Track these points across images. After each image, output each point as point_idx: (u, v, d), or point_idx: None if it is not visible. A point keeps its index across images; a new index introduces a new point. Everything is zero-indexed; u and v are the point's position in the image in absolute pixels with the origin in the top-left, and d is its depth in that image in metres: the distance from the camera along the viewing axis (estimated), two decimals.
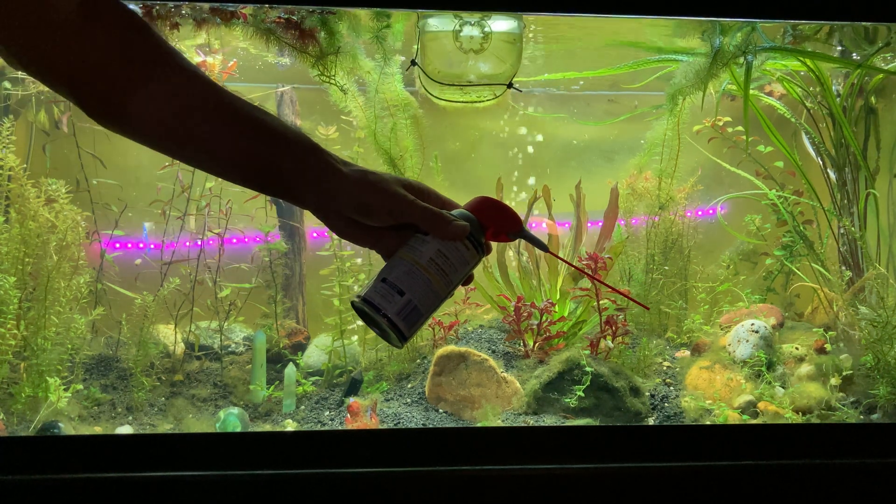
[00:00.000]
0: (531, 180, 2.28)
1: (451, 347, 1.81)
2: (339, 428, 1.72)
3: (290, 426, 1.76)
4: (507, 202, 1.03)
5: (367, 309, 0.92)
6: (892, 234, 2.09)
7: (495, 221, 0.98)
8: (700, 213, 2.23)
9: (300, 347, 2.07)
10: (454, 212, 0.96)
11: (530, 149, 2.30)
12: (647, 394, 1.80)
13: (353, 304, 0.95)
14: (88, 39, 0.84)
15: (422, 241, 0.94)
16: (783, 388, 1.80)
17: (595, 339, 1.82)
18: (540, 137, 2.30)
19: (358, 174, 0.92)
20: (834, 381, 1.78)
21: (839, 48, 2.02)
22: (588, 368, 1.73)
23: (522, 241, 2.03)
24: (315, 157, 0.92)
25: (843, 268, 2.05)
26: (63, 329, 1.78)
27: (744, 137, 2.00)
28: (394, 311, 0.91)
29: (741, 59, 1.84)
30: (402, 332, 0.92)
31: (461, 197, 1.00)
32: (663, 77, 2.09)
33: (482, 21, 1.82)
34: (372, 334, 2.02)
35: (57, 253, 1.79)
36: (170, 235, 2.03)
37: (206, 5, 1.64)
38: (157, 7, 1.65)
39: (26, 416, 1.69)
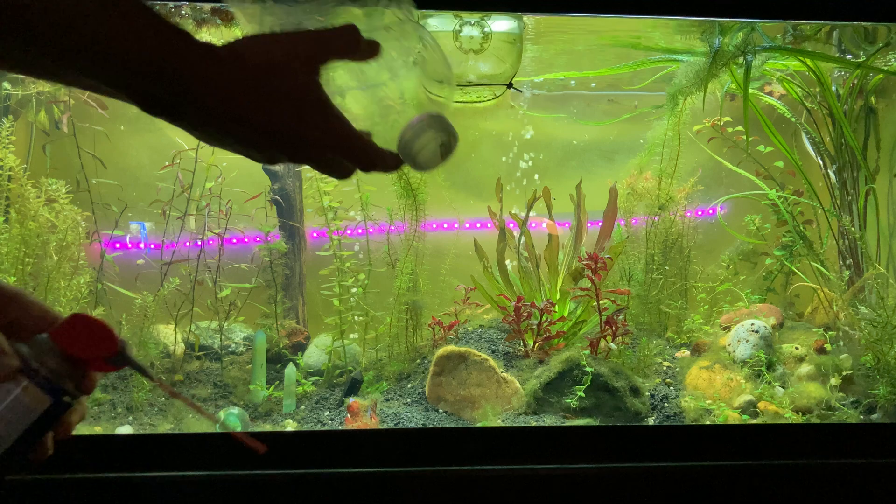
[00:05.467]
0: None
1: (451, 347, 1.81)
2: (339, 428, 1.72)
3: (290, 426, 1.76)
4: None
5: None
6: (892, 233, 2.09)
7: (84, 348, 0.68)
8: (700, 213, 2.23)
9: (300, 347, 2.07)
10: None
11: (530, 148, 2.30)
12: (647, 394, 1.80)
13: None
14: None
15: None
16: (783, 388, 1.80)
17: (595, 339, 1.82)
18: (529, 134, 2.30)
19: None
20: (834, 381, 1.78)
21: (839, 48, 2.02)
22: (588, 368, 1.73)
23: (522, 242, 2.04)
24: (182, 40, 0.66)
25: (843, 268, 2.05)
26: None
27: (744, 137, 2.00)
28: None
29: (741, 59, 1.84)
30: None
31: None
32: (663, 77, 2.09)
33: (482, 21, 1.82)
34: (372, 334, 2.02)
35: (57, 253, 1.80)
36: (170, 235, 2.03)
37: (207, 6, 1.64)
38: (158, 7, 1.65)
39: None
